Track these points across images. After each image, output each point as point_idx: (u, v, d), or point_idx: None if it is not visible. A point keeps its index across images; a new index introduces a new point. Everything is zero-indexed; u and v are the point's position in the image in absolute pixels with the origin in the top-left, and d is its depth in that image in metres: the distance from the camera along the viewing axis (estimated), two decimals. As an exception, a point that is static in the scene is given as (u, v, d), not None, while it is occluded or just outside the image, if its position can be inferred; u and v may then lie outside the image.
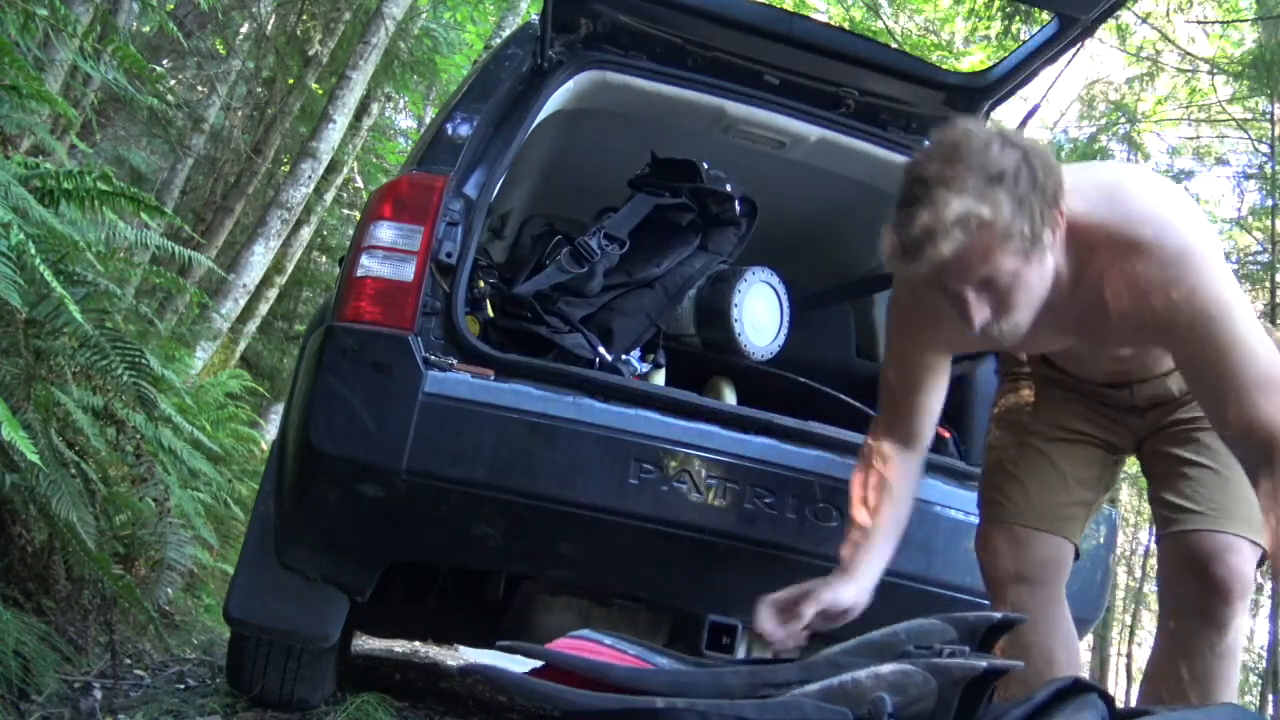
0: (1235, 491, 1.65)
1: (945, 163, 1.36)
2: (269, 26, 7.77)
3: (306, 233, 7.80)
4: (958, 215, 1.33)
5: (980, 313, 1.43)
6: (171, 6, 6.54)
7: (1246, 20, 10.89)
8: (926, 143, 1.46)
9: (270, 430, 6.64)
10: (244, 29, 8.04)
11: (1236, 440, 1.48)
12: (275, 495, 2.16)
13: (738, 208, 2.61)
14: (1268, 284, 12.20)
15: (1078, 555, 1.87)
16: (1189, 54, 11.56)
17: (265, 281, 7.13)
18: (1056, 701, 1.23)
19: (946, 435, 2.32)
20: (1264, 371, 1.44)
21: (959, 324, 1.50)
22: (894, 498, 1.74)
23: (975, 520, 1.98)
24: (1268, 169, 12.12)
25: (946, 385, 1.80)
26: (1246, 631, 1.73)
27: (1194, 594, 1.66)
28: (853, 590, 1.65)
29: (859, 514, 1.74)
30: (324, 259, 9.99)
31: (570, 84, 2.41)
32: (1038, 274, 1.43)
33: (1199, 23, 11.04)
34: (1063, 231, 1.45)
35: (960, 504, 2.09)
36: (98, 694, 2.26)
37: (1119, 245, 1.47)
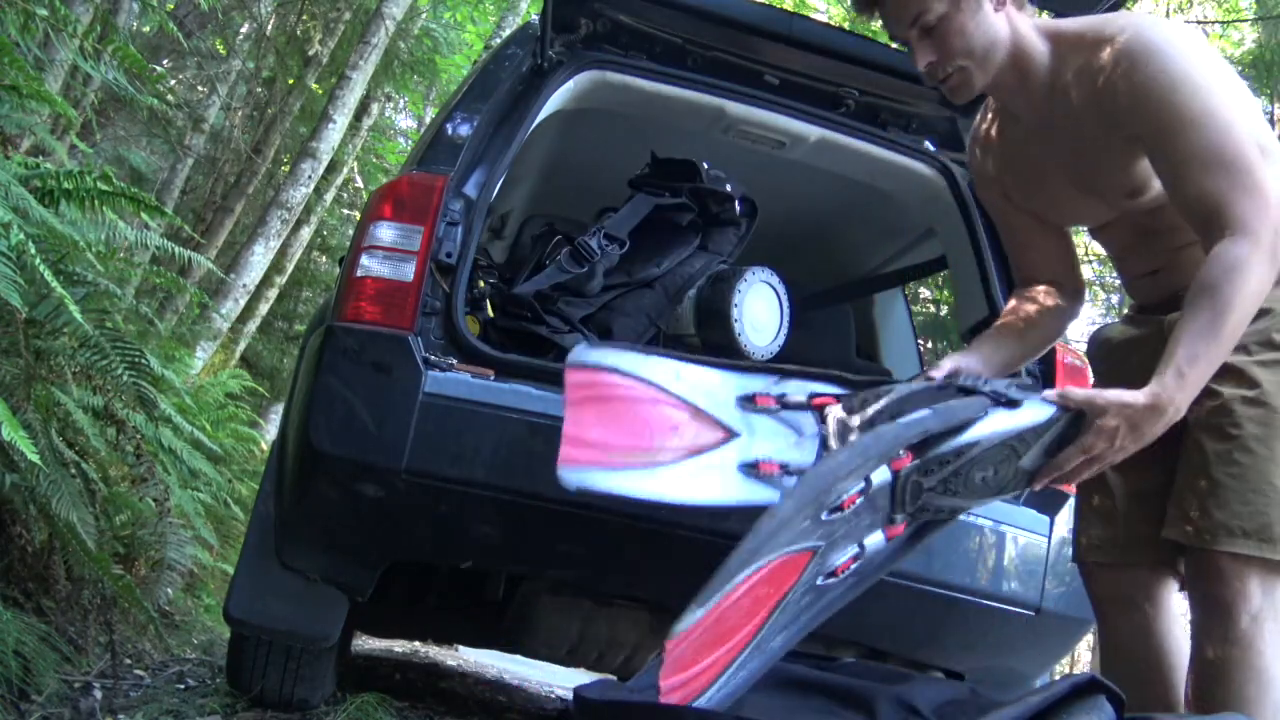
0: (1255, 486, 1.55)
1: None
2: (269, 26, 7.77)
3: (306, 233, 7.80)
4: None
5: (923, 55, 1.63)
6: (171, 6, 6.55)
7: (1246, 20, 10.90)
8: None
9: (270, 430, 6.64)
10: (244, 29, 8.04)
11: (1190, 223, 1.52)
12: (275, 495, 2.16)
13: (738, 208, 2.61)
14: (1268, 284, 12.20)
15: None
16: (1189, 54, 11.55)
17: (265, 281, 7.14)
18: (1071, 699, 1.24)
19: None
20: (1214, 150, 1.45)
21: (1003, 158, 1.77)
22: (1021, 312, 1.83)
23: (976, 520, 1.98)
24: (1268, 169, 12.12)
25: (1064, 240, 1.88)
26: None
27: (1198, 583, 1.61)
28: (973, 360, 1.76)
29: (992, 334, 1.85)
30: (324, 259, 9.99)
31: (570, 84, 2.41)
32: (973, 24, 1.60)
33: (1199, 23, 11.05)
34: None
35: (960, 504, 2.08)
36: (98, 694, 2.26)
37: (1097, 40, 1.58)
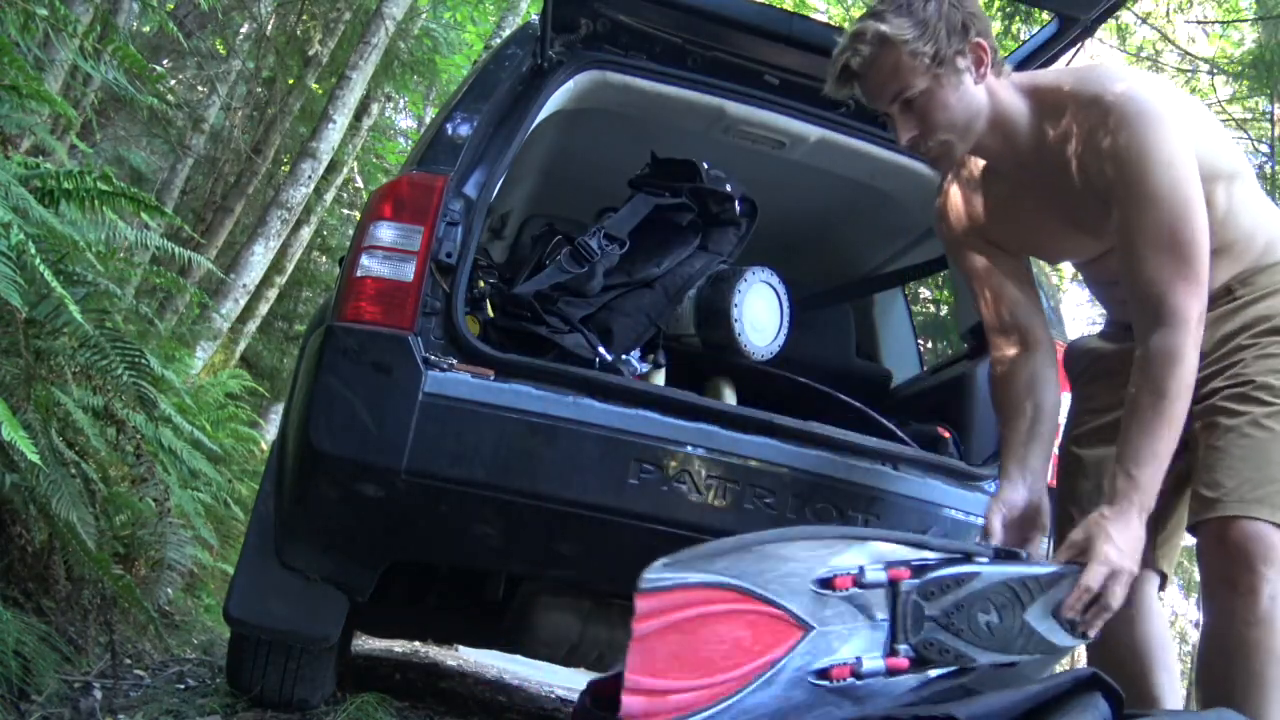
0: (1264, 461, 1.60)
1: (873, 6, 1.64)
2: (269, 26, 7.77)
3: (306, 233, 7.80)
4: (867, 33, 1.60)
5: (904, 129, 1.64)
6: (171, 6, 6.54)
7: (1246, 20, 10.89)
8: None
9: (270, 430, 6.64)
10: (244, 29, 8.04)
11: (1132, 302, 1.58)
12: (275, 495, 2.16)
13: (738, 208, 2.61)
14: (1268, 284, 12.19)
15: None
16: (1189, 54, 11.56)
17: (265, 281, 7.14)
18: (1072, 693, 1.24)
19: (946, 435, 2.32)
20: (1165, 230, 1.52)
21: (991, 209, 1.77)
22: (1019, 399, 1.79)
23: (976, 520, 1.97)
24: (1268, 169, 12.13)
25: (1030, 286, 1.87)
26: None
27: (1215, 563, 1.61)
28: (1017, 490, 1.71)
29: (1002, 427, 1.83)
30: (324, 259, 9.99)
31: (570, 84, 2.41)
32: (955, 97, 1.62)
33: (1199, 23, 11.05)
34: (990, 69, 1.65)
35: (960, 504, 2.08)
36: (98, 694, 2.26)
37: (1084, 101, 1.61)
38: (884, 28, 1.59)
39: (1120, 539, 1.45)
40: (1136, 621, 1.74)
